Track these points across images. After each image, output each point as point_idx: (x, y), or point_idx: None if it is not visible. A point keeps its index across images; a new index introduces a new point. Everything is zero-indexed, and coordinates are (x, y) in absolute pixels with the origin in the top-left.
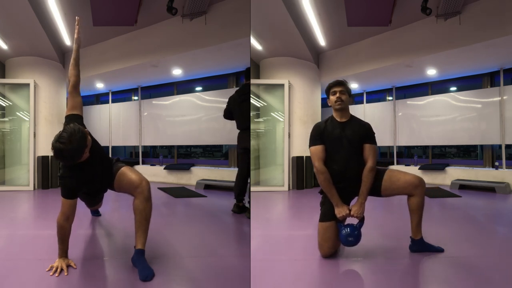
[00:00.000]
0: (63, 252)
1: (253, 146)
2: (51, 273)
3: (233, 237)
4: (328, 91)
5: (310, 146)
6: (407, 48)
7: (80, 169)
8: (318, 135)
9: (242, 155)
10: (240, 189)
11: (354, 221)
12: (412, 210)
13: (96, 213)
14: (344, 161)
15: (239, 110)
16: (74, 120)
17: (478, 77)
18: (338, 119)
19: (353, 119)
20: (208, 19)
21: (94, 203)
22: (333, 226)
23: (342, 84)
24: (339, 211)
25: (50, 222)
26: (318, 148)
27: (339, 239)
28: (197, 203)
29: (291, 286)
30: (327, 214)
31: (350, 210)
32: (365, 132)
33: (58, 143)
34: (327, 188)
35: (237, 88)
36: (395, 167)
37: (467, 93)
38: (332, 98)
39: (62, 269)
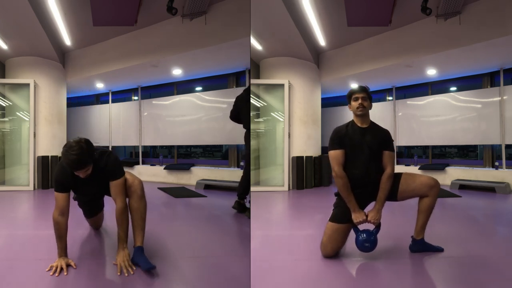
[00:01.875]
0: (62, 251)
1: (253, 146)
2: (51, 273)
3: (233, 237)
4: (349, 97)
5: (329, 150)
6: (407, 48)
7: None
8: (338, 140)
9: (249, 155)
10: (244, 188)
11: (369, 226)
12: (422, 210)
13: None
14: (364, 167)
15: (246, 109)
16: None
17: (478, 77)
18: (359, 125)
19: (373, 125)
20: (208, 19)
21: (92, 211)
22: (342, 229)
23: (364, 90)
24: (356, 217)
25: (50, 222)
26: (338, 153)
27: (344, 242)
28: (197, 203)
29: (291, 286)
30: (339, 216)
31: (366, 216)
32: (384, 138)
33: (67, 149)
34: (345, 193)
35: (245, 87)
36: (395, 167)
37: (467, 93)
38: (354, 104)
39: (62, 269)
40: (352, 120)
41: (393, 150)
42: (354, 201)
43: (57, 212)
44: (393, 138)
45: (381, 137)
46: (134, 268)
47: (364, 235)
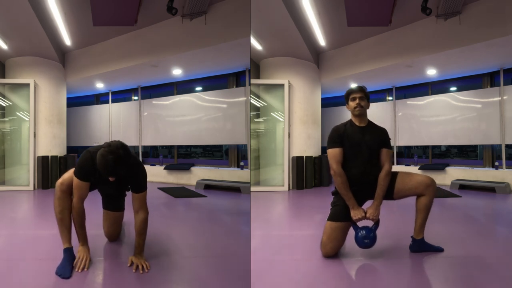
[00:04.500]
0: (85, 238)
1: (253, 146)
2: (80, 265)
3: (233, 237)
4: (347, 97)
5: (328, 148)
6: (407, 48)
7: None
8: (337, 138)
9: None
10: None
11: (368, 223)
12: (419, 209)
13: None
14: (363, 165)
15: None
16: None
17: (478, 77)
18: (357, 124)
19: (371, 124)
20: (208, 19)
21: (111, 205)
22: (342, 228)
23: (361, 90)
24: (355, 214)
25: (50, 222)
26: (337, 151)
27: (344, 241)
28: (197, 203)
29: (291, 286)
30: (338, 214)
31: (365, 213)
32: (382, 137)
33: (106, 153)
34: (344, 191)
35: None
36: (395, 167)
37: (467, 93)
38: (352, 104)
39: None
40: (350, 119)
41: (390, 148)
42: (353, 199)
43: (80, 201)
44: (393, 138)
45: (379, 135)
46: (149, 268)
47: (364, 232)
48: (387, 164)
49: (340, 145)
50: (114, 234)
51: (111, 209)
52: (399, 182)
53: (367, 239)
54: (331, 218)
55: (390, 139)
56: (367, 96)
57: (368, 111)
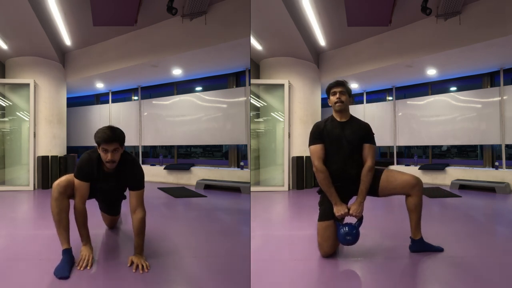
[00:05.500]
0: (87, 237)
1: (253, 146)
2: (83, 263)
3: (233, 237)
4: (328, 91)
5: (310, 145)
6: (407, 48)
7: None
8: (318, 134)
9: None
10: None
11: (352, 220)
12: (410, 210)
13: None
14: (343, 161)
15: None
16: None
17: (478, 77)
18: (338, 119)
19: (353, 119)
20: (208, 19)
21: (109, 210)
22: (332, 225)
23: (342, 84)
24: (338, 210)
25: (50, 222)
26: (318, 147)
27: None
28: (197, 203)
29: (291, 286)
30: (326, 213)
31: (348, 209)
32: (364, 132)
33: (101, 128)
34: (326, 187)
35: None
36: (395, 167)
37: (467, 93)
38: (332, 98)
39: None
40: (332, 115)
41: (373, 143)
42: (335, 195)
43: (81, 201)
44: (393, 138)
45: (361, 130)
46: (149, 268)
47: (346, 228)
48: (370, 160)
49: (320, 141)
50: (112, 226)
51: (107, 213)
52: (384, 180)
53: (349, 236)
54: (320, 218)
55: (373, 134)
56: (348, 91)
57: (368, 111)
